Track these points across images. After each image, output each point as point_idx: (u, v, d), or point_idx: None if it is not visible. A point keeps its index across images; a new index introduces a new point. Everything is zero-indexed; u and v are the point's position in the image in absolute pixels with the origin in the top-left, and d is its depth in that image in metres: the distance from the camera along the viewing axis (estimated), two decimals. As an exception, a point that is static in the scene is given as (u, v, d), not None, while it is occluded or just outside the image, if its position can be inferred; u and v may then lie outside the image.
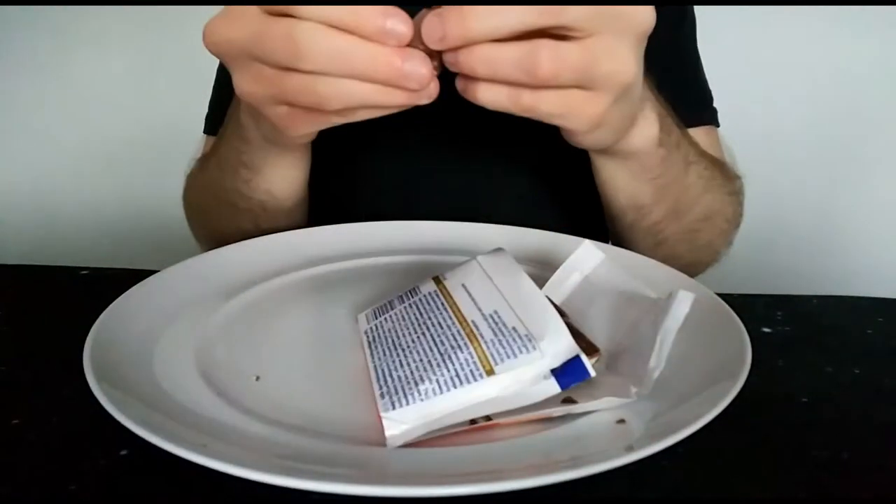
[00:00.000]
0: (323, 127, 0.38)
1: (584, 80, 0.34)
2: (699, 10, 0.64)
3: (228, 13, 0.35)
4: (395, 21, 0.31)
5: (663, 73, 0.44)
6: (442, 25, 0.31)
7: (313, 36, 0.32)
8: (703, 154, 0.52)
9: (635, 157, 0.45)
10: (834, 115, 1.19)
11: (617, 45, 0.34)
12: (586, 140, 0.40)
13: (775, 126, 1.17)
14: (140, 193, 1.30)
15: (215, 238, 0.49)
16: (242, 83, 0.37)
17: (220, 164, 0.53)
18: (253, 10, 0.34)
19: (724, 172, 0.56)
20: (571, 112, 0.35)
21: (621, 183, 0.48)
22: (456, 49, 0.32)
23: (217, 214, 0.56)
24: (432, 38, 0.32)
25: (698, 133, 0.60)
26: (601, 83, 0.34)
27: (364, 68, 0.32)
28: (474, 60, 0.33)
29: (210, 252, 0.48)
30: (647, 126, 0.43)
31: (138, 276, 0.41)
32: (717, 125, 0.63)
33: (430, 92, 0.34)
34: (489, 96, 0.34)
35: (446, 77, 0.34)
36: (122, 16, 1.24)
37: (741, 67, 1.07)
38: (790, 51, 1.15)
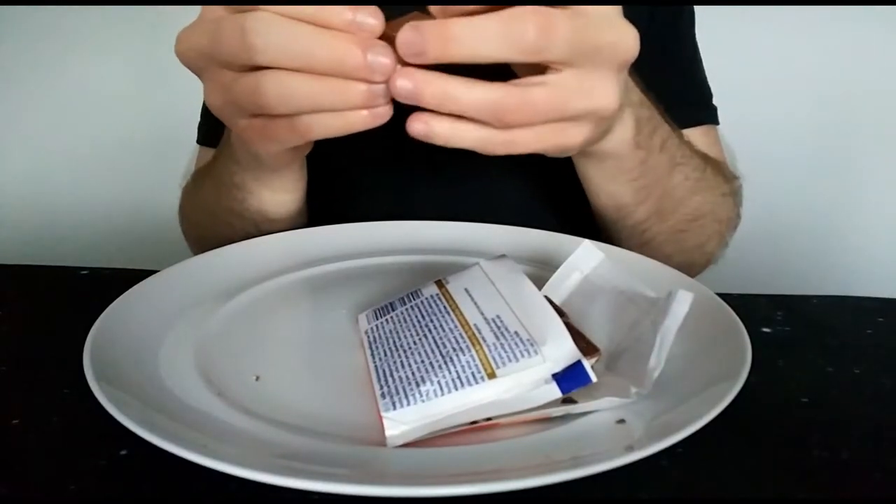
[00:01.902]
0: (285, 145, 0.36)
1: (557, 118, 0.33)
2: (699, 10, 0.64)
3: (197, 20, 0.35)
4: (365, 13, 0.30)
5: (660, 70, 0.44)
6: (422, 41, 0.30)
7: (266, 25, 0.30)
8: (694, 155, 0.51)
9: (610, 158, 0.44)
10: (834, 115, 1.19)
11: (597, 78, 0.33)
12: (556, 155, 0.39)
13: (775, 125, 1.17)
14: (140, 193, 1.30)
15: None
16: (208, 93, 0.36)
17: (215, 182, 0.53)
18: (217, 13, 0.33)
19: (719, 173, 0.55)
20: (544, 147, 0.34)
21: (598, 182, 0.48)
22: (421, 83, 0.31)
23: (213, 231, 0.56)
24: (410, 52, 0.30)
25: (696, 132, 0.60)
26: (577, 117, 0.34)
27: (322, 59, 0.31)
28: (442, 97, 0.31)
29: (210, 252, 0.48)
30: (622, 131, 0.42)
31: (138, 276, 0.41)
32: (717, 123, 0.63)
33: (383, 112, 0.32)
34: (456, 137, 0.33)
35: None
36: (122, 16, 1.24)
37: (741, 66, 1.07)
38: (790, 50, 1.15)
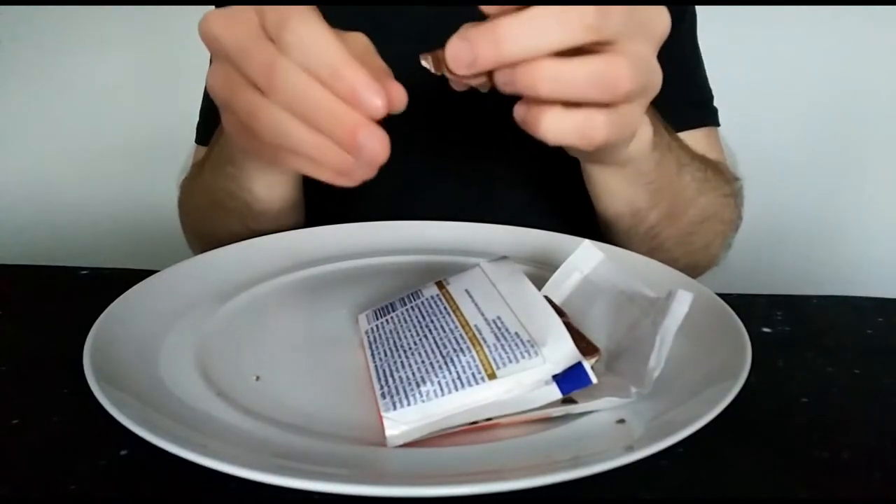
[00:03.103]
0: (260, 153, 0.37)
1: (642, 86, 0.33)
2: (700, 9, 0.64)
3: (229, 13, 0.35)
4: (370, 93, 0.30)
5: (662, 72, 0.44)
6: (471, 49, 0.29)
7: (291, 77, 0.31)
8: (695, 157, 0.52)
9: (632, 163, 0.44)
10: (834, 115, 1.19)
11: (646, 52, 0.33)
12: (611, 151, 0.39)
13: (775, 126, 1.17)
14: (140, 194, 1.30)
15: (209, 243, 0.49)
16: (213, 76, 0.36)
17: (211, 163, 0.53)
18: (251, 21, 0.33)
19: (720, 174, 0.55)
20: (628, 127, 0.34)
21: (617, 189, 0.48)
22: (512, 66, 0.30)
23: (210, 216, 0.56)
24: (459, 65, 0.30)
25: (698, 134, 0.60)
26: (644, 92, 0.34)
27: (322, 122, 0.31)
28: (537, 79, 0.30)
29: (210, 252, 0.48)
30: (644, 130, 0.42)
31: (138, 276, 0.41)
32: (717, 124, 0.63)
33: (358, 178, 0.32)
34: (556, 128, 0.32)
35: (444, 84, 0.33)
36: (123, 16, 1.24)
37: (741, 67, 1.07)
38: (790, 50, 1.15)
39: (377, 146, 0.31)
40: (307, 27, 0.31)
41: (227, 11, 0.35)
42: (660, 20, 0.34)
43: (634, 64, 0.31)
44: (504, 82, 0.31)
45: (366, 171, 0.32)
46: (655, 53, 0.34)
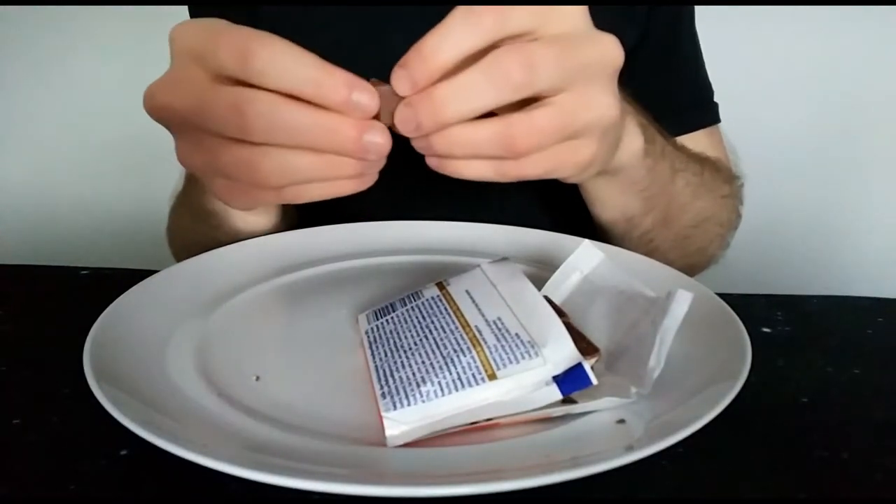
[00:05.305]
0: (265, 203, 0.36)
1: (565, 137, 0.33)
2: (699, 8, 0.64)
3: (172, 77, 0.33)
4: (361, 93, 0.30)
5: (663, 73, 0.44)
6: (415, 115, 0.30)
7: (263, 107, 0.29)
8: (691, 160, 0.52)
9: (623, 172, 0.44)
10: (834, 115, 1.19)
11: (592, 91, 0.33)
12: (577, 179, 0.39)
13: (775, 126, 1.17)
14: (140, 194, 1.30)
15: None
16: (182, 151, 0.35)
17: (191, 211, 0.52)
18: (199, 77, 0.31)
19: (718, 175, 0.55)
20: (560, 166, 0.35)
21: (609, 198, 0.48)
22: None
23: (198, 251, 0.55)
24: (407, 128, 0.31)
25: (699, 134, 0.60)
26: (583, 132, 0.34)
27: (321, 141, 0.30)
28: (451, 144, 0.32)
29: (209, 252, 0.47)
30: (632, 140, 0.42)
31: (138, 276, 0.41)
32: (719, 121, 0.63)
33: (370, 179, 0.33)
34: (471, 171, 0.33)
35: None
36: (123, 16, 1.24)
37: (741, 66, 1.07)
38: (790, 50, 1.15)
39: (381, 139, 0.31)
40: (272, 48, 0.29)
41: (168, 78, 0.33)
42: (608, 54, 0.34)
43: (547, 118, 0.32)
44: (422, 148, 0.33)
45: (378, 167, 0.33)
46: (609, 84, 0.34)
